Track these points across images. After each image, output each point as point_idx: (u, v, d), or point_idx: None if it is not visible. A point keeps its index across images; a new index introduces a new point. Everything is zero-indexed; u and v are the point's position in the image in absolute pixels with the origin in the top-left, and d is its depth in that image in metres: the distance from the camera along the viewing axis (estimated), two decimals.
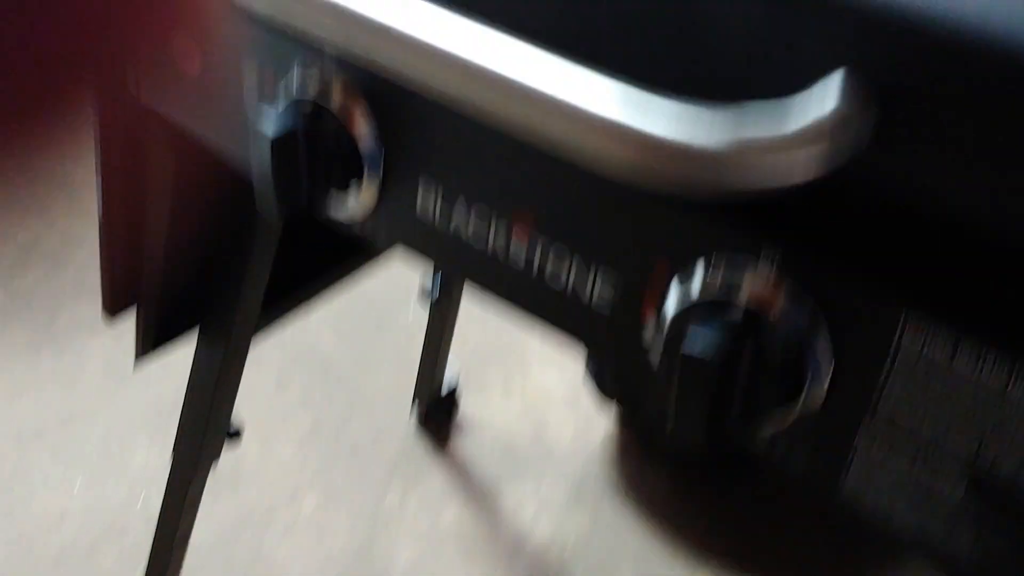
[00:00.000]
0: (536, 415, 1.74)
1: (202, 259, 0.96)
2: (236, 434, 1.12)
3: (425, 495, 1.57)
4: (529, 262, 0.51)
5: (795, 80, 0.38)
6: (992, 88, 0.35)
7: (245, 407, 1.74)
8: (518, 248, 0.51)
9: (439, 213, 0.54)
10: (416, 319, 1.63)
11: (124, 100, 0.73)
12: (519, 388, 1.80)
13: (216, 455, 1.16)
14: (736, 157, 0.35)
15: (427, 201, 0.55)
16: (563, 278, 0.50)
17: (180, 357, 1.06)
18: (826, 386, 0.43)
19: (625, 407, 1.66)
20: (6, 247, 1.84)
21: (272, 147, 0.53)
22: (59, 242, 1.89)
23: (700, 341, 0.42)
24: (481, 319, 1.87)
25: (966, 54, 0.35)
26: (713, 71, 0.41)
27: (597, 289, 0.49)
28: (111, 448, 1.55)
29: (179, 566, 1.24)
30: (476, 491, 1.61)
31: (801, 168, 0.36)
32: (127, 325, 0.99)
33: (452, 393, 1.68)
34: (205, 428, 1.12)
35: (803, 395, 0.44)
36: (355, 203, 0.58)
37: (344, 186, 0.57)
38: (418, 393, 1.66)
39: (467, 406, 1.72)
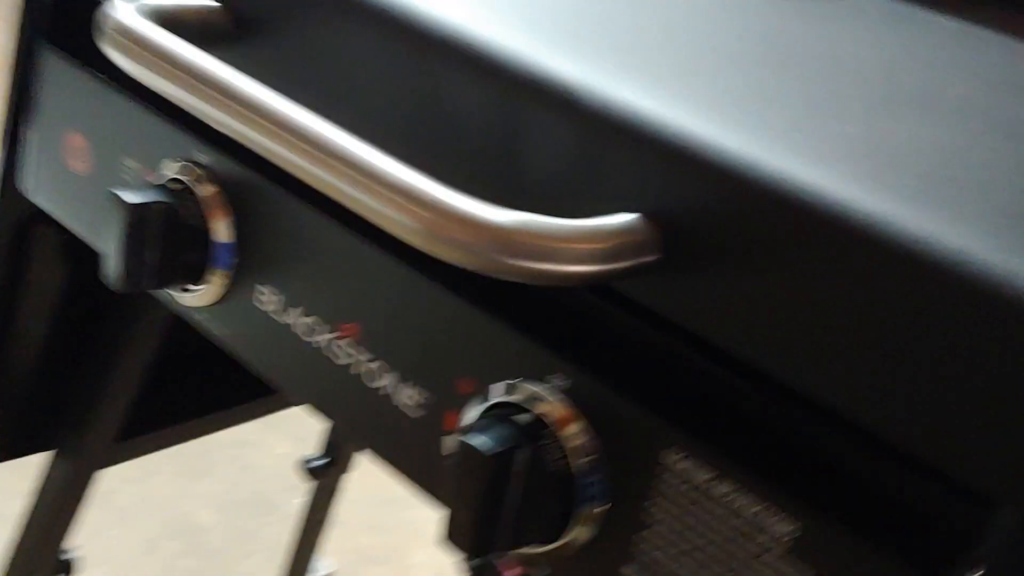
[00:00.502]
0: None
1: (75, 372, 0.94)
2: (66, 568, 1.06)
3: None
4: (355, 374, 0.52)
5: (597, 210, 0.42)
6: (763, 234, 0.38)
7: (105, 566, 1.67)
8: (345, 357, 0.52)
9: (275, 316, 0.55)
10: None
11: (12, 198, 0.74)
12: None
13: None
14: (517, 233, 0.37)
15: (266, 303, 0.56)
16: (382, 390, 0.51)
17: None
18: (596, 517, 0.44)
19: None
20: None
21: (128, 213, 0.54)
22: None
23: (481, 434, 0.42)
24: (371, 513, 1.82)
25: (740, 201, 0.38)
26: (523, 192, 0.44)
27: (410, 400, 0.49)
28: None
29: None
30: None
31: (581, 262, 0.38)
32: None
33: None
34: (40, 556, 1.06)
35: (570, 525, 0.44)
36: (199, 292, 0.59)
37: (192, 274, 0.58)
38: None
39: None
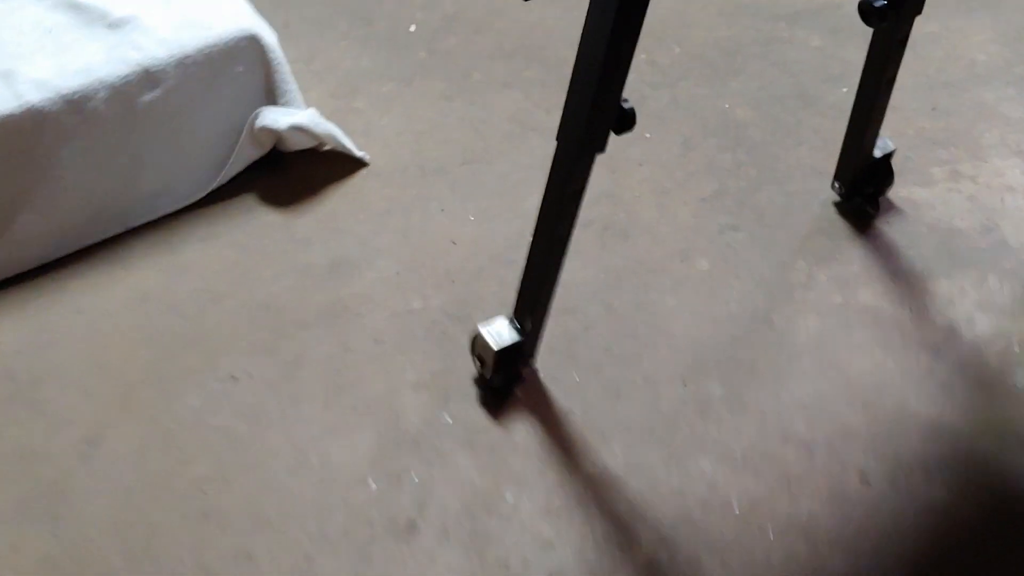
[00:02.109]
0: (990, 203, 1.45)
1: None
2: (630, 118, 1.00)
3: (838, 273, 1.36)
4: None
5: None
6: None
7: (647, 165, 1.65)
8: None
9: None
10: (848, 96, 1.40)
11: None
12: (969, 175, 1.50)
13: (601, 147, 1.04)
14: None
15: None
16: None
17: None
18: None
19: None
20: (432, 15, 1.86)
21: None
22: (483, 11, 1.88)
23: None
24: (930, 96, 1.58)
25: None
26: None
27: None
28: (506, 189, 1.51)
29: (549, 295, 1.17)
30: (902, 277, 1.37)
31: None
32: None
33: (882, 166, 1.44)
34: (590, 112, 1.01)
35: None
36: None
37: None
38: (841, 167, 1.44)
39: (903, 190, 1.46)
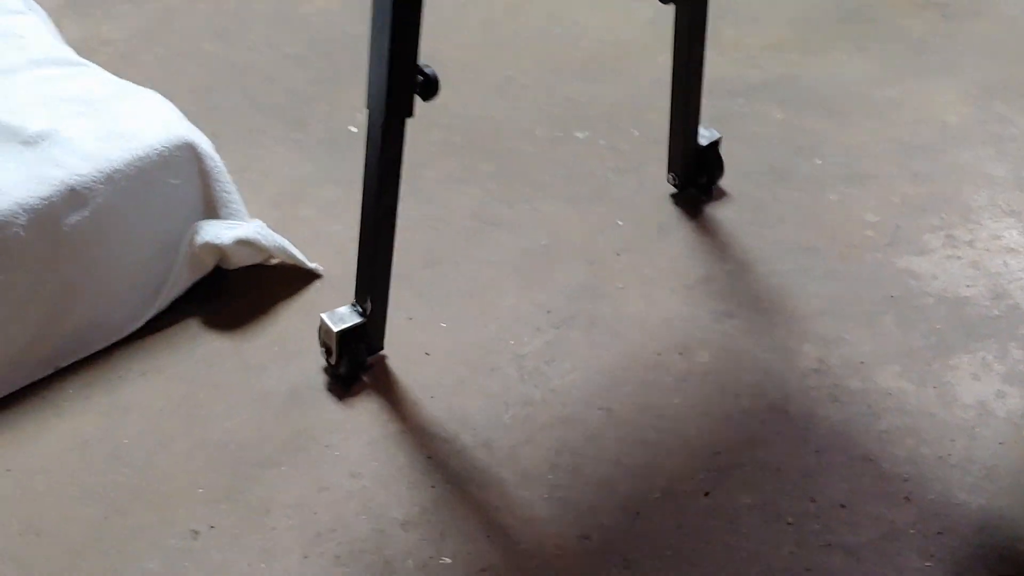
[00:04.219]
0: (993, 268, 1.38)
1: None
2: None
3: (849, 355, 1.24)
4: None
5: None
6: None
7: (625, 254, 1.56)
8: None
9: None
10: (823, 167, 1.32)
11: None
12: (966, 239, 1.43)
13: (408, 111, 1.13)
14: None
15: None
16: None
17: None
18: None
19: None
20: None
21: None
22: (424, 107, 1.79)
23: None
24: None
25: None
26: None
27: None
28: (476, 290, 1.39)
29: (387, 271, 1.23)
30: (919, 355, 1.27)
31: None
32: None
33: (710, 154, 1.51)
34: (389, 77, 1.10)
35: None
36: None
37: None
38: (671, 158, 1.50)
39: (900, 261, 1.39)
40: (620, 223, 1.49)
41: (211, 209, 1.37)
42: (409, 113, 1.14)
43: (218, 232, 1.35)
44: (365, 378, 1.26)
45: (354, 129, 1.74)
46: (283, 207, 1.54)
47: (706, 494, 1.11)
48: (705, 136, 1.50)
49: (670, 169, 1.52)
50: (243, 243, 1.35)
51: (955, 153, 1.60)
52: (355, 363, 1.26)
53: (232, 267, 1.40)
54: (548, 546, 1.08)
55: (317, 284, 1.41)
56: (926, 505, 1.09)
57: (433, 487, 1.13)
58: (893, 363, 1.26)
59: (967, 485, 1.11)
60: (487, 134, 1.72)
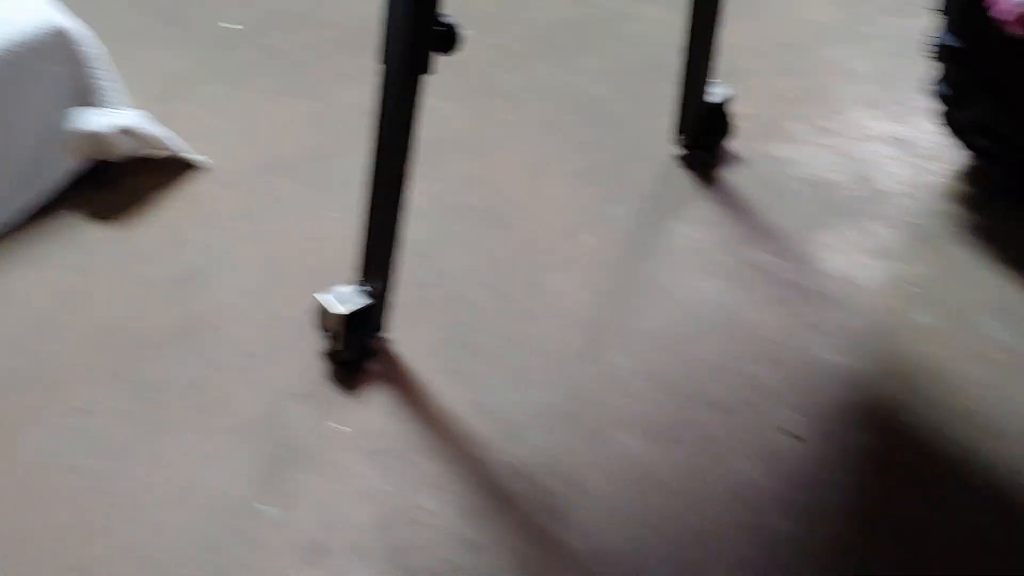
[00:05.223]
0: (857, 155, 1.46)
1: None
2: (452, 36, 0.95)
3: (724, 235, 1.30)
4: None
5: None
6: None
7: (512, 148, 1.59)
8: None
9: None
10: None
11: None
12: (833, 129, 1.51)
13: (424, 67, 0.98)
14: None
15: None
16: None
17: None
18: None
19: (991, 143, 1.33)
20: (252, 13, 1.73)
21: None
22: (306, 6, 1.76)
23: None
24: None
25: None
26: None
27: None
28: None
29: (396, 247, 1.09)
30: (788, 232, 1.34)
31: None
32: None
33: (719, 113, 1.43)
34: (407, 30, 0.95)
35: None
36: None
37: None
38: (682, 119, 1.43)
39: (771, 148, 1.45)
40: (509, 118, 1.51)
41: (89, 97, 1.34)
42: (427, 70, 0.99)
43: (98, 120, 1.32)
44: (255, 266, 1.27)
45: (238, 26, 1.71)
46: (167, 102, 1.51)
47: (591, 361, 1.16)
48: (718, 95, 1.42)
49: (680, 131, 1.44)
50: (124, 132, 1.33)
51: (823, 50, 1.68)
52: (363, 350, 1.14)
53: (115, 159, 1.37)
54: (426, 411, 1.11)
55: (204, 177, 1.39)
56: (797, 366, 1.16)
57: (325, 363, 1.14)
58: (765, 240, 1.32)
59: (835, 348, 1.19)
60: (370, 29, 1.69)
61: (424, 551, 0.97)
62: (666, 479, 1.04)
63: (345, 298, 1.10)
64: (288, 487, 1.02)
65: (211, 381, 1.12)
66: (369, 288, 1.10)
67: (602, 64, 1.64)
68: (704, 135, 1.44)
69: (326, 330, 1.12)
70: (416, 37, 0.96)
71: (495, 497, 1.02)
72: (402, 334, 1.17)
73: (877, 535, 0.99)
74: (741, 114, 1.51)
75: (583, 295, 1.24)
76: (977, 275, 1.27)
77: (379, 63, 0.98)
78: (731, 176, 1.42)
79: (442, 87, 1.59)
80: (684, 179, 1.42)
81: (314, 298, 1.12)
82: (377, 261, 1.09)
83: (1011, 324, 1.20)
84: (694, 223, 1.34)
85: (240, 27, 1.70)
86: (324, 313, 1.11)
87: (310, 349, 1.16)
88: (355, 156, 1.50)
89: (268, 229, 1.32)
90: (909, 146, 1.48)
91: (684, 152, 1.45)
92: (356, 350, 1.13)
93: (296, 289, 1.23)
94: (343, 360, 1.14)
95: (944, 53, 1.33)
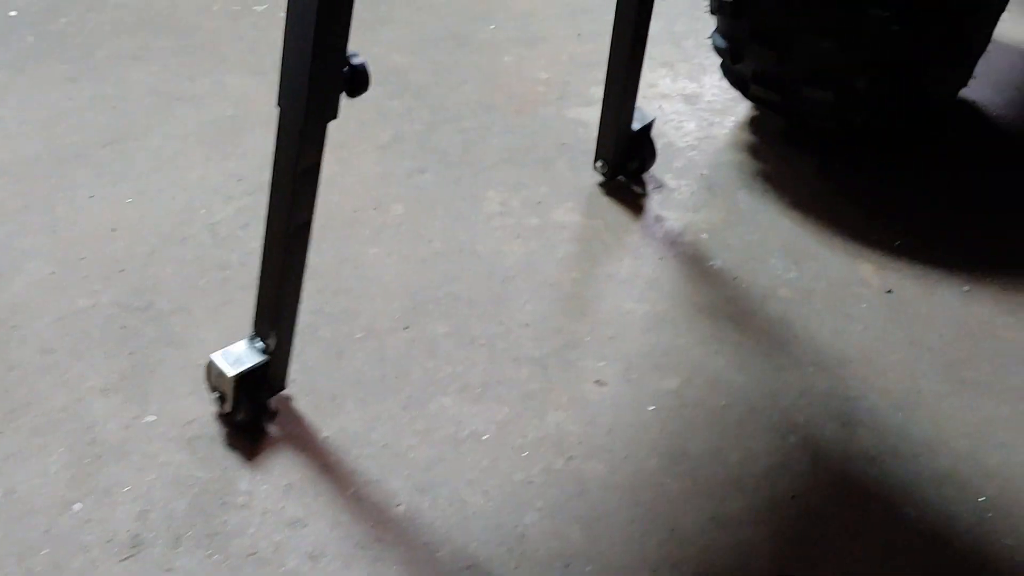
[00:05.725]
0: (651, 112, 1.51)
1: None
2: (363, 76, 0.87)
3: (528, 197, 1.34)
4: None
5: None
6: None
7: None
8: None
9: None
10: (496, 32, 1.40)
11: None
12: None
13: (332, 113, 0.91)
14: None
15: None
16: None
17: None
18: None
19: (769, 93, 1.41)
20: None
21: None
22: None
23: None
24: None
25: None
26: None
27: None
28: (162, 164, 1.35)
29: (296, 299, 1.01)
30: (588, 192, 1.38)
31: None
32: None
33: (643, 139, 1.41)
34: (312, 71, 0.86)
35: None
36: None
37: None
38: (601, 145, 1.37)
39: (570, 112, 1.49)
40: None
41: None
42: (334, 115, 0.92)
43: None
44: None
45: (14, 13, 1.62)
46: None
47: (405, 328, 1.17)
48: (638, 119, 1.36)
49: (598, 157, 1.38)
50: None
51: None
52: (256, 409, 1.05)
53: None
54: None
55: None
56: (600, 316, 1.21)
57: (131, 353, 1.11)
58: (567, 201, 1.37)
59: (633, 296, 1.24)
60: (162, 11, 1.66)
61: (242, 532, 0.96)
62: (483, 434, 1.06)
63: (237, 358, 1.02)
64: (102, 482, 0.99)
65: (10, 381, 1.07)
66: (263, 344, 1.03)
67: (401, 35, 1.64)
68: (627, 163, 1.39)
69: (215, 391, 1.04)
70: (322, 77, 0.88)
71: (314, 471, 1.02)
72: (204, 323, 1.15)
73: (677, 468, 1.05)
74: (539, 80, 1.54)
75: (395, 264, 1.25)
76: (763, 218, 1.36)
77: (278, 105, 0.91)
78: (536, 142, 1.46)
79: (241, 62, 1.57)
80: (488, 147, 1.44)
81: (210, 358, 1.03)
82: (275, 314, 1.01)
83: (797, 262, 1.29)
84: (499, 187, 1.37)
85: (14, 13, 1.61)
86: (214, 372, 1.03)
87: (112, 339, 1.12)
88: (154, 139, 1.46)
89: (59, 220, 1.26)
90: (698, 101, 1.56)
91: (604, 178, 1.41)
92: (250, 413, 1.05)
93: (94, 281, 1.18)
94: (236, 423, 1.05)
95: (718, 6, 1.41)
